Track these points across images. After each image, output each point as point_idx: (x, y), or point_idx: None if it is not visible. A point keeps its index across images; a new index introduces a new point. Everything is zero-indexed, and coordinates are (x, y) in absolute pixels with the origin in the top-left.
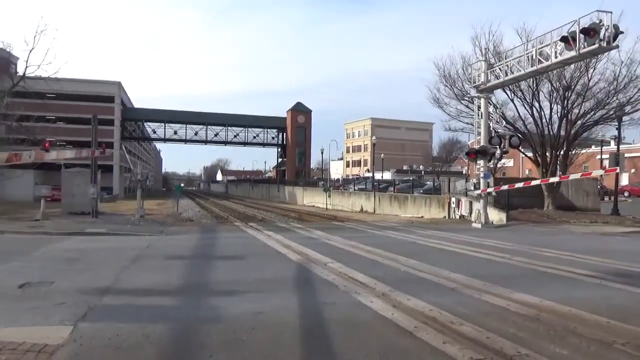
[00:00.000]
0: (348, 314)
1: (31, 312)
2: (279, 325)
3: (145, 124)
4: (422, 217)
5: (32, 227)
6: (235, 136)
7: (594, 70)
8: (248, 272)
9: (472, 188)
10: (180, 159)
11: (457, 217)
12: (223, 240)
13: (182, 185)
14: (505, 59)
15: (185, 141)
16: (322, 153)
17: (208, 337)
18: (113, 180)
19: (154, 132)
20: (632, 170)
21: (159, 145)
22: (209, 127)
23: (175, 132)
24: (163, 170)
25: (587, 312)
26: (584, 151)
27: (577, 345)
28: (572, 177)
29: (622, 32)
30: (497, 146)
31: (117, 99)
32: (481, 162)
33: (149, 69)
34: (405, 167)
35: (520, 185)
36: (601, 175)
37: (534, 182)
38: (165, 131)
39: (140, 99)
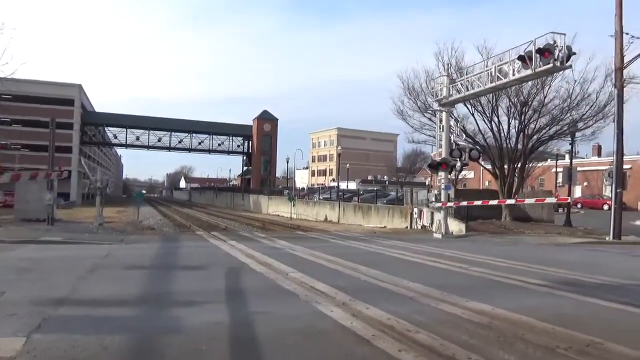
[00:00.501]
0: (308, 323)
1: None
2: (240, 336)
3: (106, 128)
4: (385, 227)
5: None
6: (200, 143)
7: (549, 88)
8: (210, 282)
9: (434, 199)
10: (142, 165)
11: (419, 227)
12: (185, 250)
13: (143, 192)
14: (467, 74)
15: (148, 147)
16: (287, 162)
17: (168, 348)
18: (70, 186)
19: (115, 138)
20: (585, 183)
21: (120, 151)
22: (173, 133)
23: (138, 138)
24: (124, 177)
25: (535, 319)
26: (540, 164)
27: (524, 351)
28: (527, 201)
29: (574, 53)
30: (458, 159)
31: (77, 102)
32: (442, 174)
33: (113, 72)
34: (369, 177)
35: (478, 203)
36: (555, 189)
37: (491, 202)
38: (127, 136)
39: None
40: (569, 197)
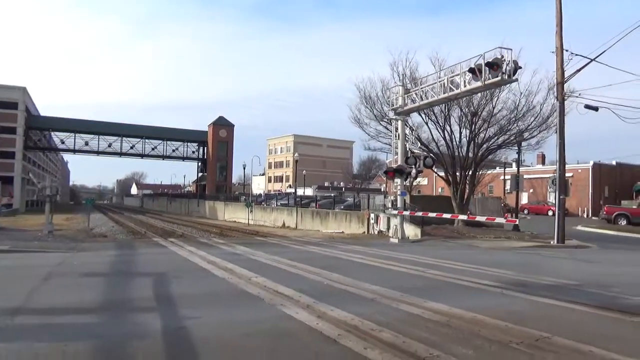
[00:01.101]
0: (275, 325)
1: None
2: (204, 339)
3: (52, 133)
4: (342, 232)
5: None
6: (153, 149)
7: (497, 99)
8: (170, 288)
9: (390, 205)
10: (91, 171)
11: (376, 232)
12: (142, 257)
13: (93, 199)
14: (421, 85)
15: (98, 153)
16: (244, 168)
17: (131, 353)
18: (14, 192)
19: (62, 143)
20: (531, 190)
21: (66, 157)
22: (124, 138)
23: (87, 143)
24: (71, 183)
25: (489, 317)
26: (489, 172)
27: (480, 346)
28: (478, 218)
29: (520, 67)
30: (413, 166)
31: (21, 105)
32: (398, 181)
33: (61, 75)
34: (326, 184)
35: (433, 215)
36: (504, 195)
37: (445, 215)
38: (75, 141)
39: (48, 107)
40: (517, 220)
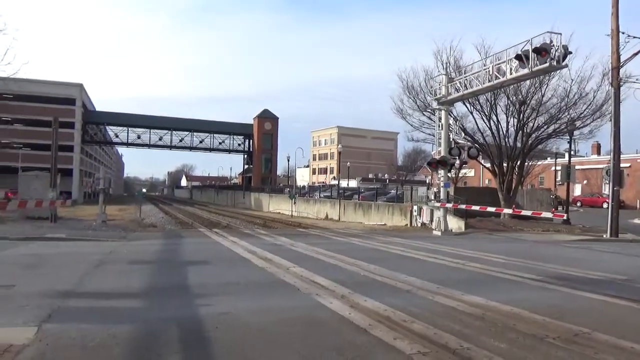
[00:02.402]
0: (308, 314)
1: None
2: (242, 325)
3: (107, 127)
4: (385, 224)
5: None
6: (200, 142)
7: (546, 87)
8: (212, 276)
9: (433, 197)
10: (143, 163)
11: (419, 224)
12: (187, 246)
13: (144, 190)
14: (465, 73)
15: (149, 146)
16: (288, 160)
17: (172, 337)
18: (72, 185)
19: (117, 136)
20: (585, 182)
21: (121, 150)
22: (174, 132)
23: (139, 137)
24: (125, 175)
25: (527, 311)
26: (539, 163)
27: (514, 339)
28: (524, 212)
29: (570, 53)
30: (457, 157)
31: (79, 101)
32: (441, 172)
33: (113, 71)
34: (370, 176)
35: (476, 208)
36: (555, 187)
37: (489, 209)
38: (128, 135)
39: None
40: (564, 214)
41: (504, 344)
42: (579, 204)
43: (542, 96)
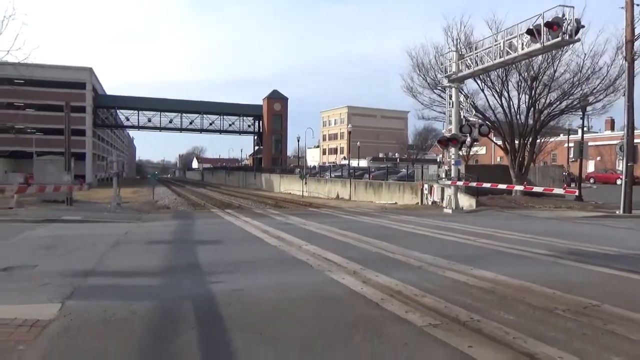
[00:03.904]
0: (321, 290)
1: (18, 292)
2: (256, 301)
3: (118, 111)
4: (395, 203)
5: (7, 214)
6: (210, 124)
7: (559, 62)
8: (226, 255)
9: (444, 175)
10: (155, 146)
11: (430, 203)
12: (201, 227)
13: (157, 173)
14: (476, 49)
15: (160, 129)
16: (298, 141)
17: (189, 312)
18: (86, 168)
19: (127, 120)
20: (598, 158)
21: (132, 133)
22: (184, 114)
23: (149, 120)
24: (137, 158)
25: (537, 285)
26: (552, 139)
27: (523, 312)
28: (535, 189)
29: (583, 26)
30: (468, 134)
31: (89, 85)
32: (452, 150)
33: (122, 55)
34: (380, 155)
35: (487, 186)
36: (567, 163)
37: (500, 186)
38: (138, 118)
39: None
40: (576, 190)
41: (514, 316)
42: (592, 180)
43: (555, 71)
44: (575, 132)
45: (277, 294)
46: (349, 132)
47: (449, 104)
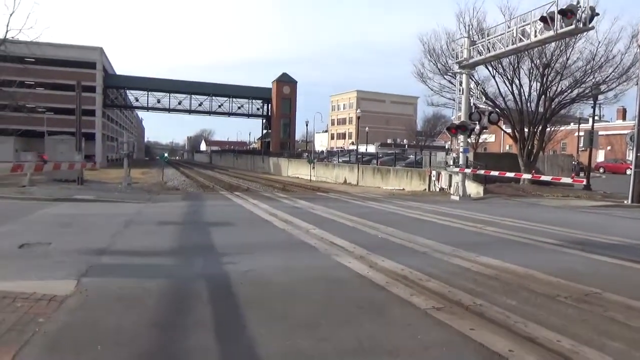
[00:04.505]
0: (328, 273)
1: (35, 268)
2: (264, 281)
3: (127, 91)
4: (403, 189)
5: (21, 193)
6: (219, 106)
7: (572, 50)
8: (236, 237)
9: (452, 162)
10: (163, 128)
11: (437, 189)
12: (210, 208)
13: (166, 155)
14: (488, 36)
15: (169, 110)
16: (307, 125)
17: (200, 290)
18: (95, 148)
19: (137, 100)
20: (608, 148)
21: (141, 114)
22: (193, 96)
23: (159, 101)
24: (145, 140)
25: (541, 272)
26: (562, 128)
27: (526, 297)
28: (543, 178)
29: (597, 14)
30: (477, 122)
31: (99, 65)
32: (461, 137)
33: (133, 35)
34: (389, 141)
35: (495, 174)
36: (577, 153)
37: (508, 174)
38: (148, 99)
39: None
40: (584, 180)
41: (516, 301)
42: (601, 170)
43: (567, 59)
44: (586, 120)
45: (286, 275)
46: (358, 117)
47: (459, 90)
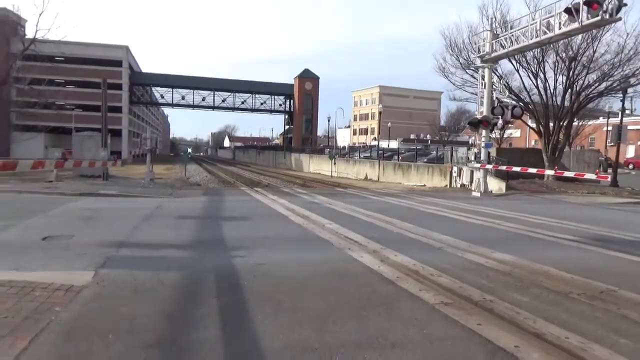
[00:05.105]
0: (340, 266)
1: (56, 260)
2: (276, 275)
3: (153, 88)
4: (424, 185)
5: (47, 187)
6: (242, 102)
7: (599, 42)
8: (252, 231)
9: (473, 158)
10: (188, 124)
11: (459, 185)
12: (229, 203)
13: (189, 151)
14: (511, 29)
15: (193, 106)
16: (329, 121)
17: (214, 283)
18: (122, 145)
19: (162, 97)
20: (639, 143)
21: (166, 111)
22: (216, 92)
23: (183, 98)
24: (171, 136)
25: (556, 269)
26: (590, 122)
27: (538, 294)
28: (566, 174)
29: (625, 4)
30: (500, 116)
31: (125, 63)
32: (483, 132)
33: (158, 34)
34: (412, 136)
35: (517, 169)
36: (605, 148)
37: (530, 170)
38: (172, 96)
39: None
40: (608, 176)
41: (527, 297)
42: (630, 166)
43: (594, 52)
44: (616, 115)
45: (297, 269)
46: (380, 113)
47: (482, 84)
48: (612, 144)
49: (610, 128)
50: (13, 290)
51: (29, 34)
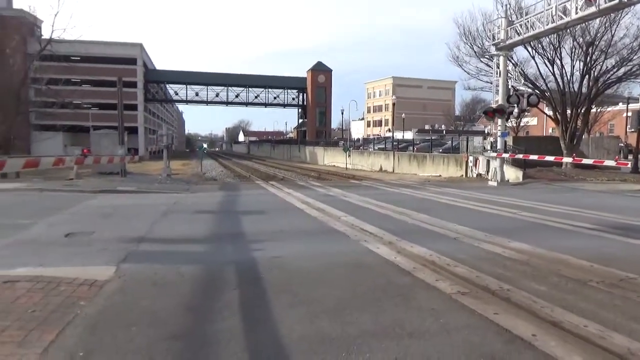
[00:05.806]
0: (356, 258)
1: (78, 255)
2: (292, 267)
3: (167, 85)
4: (439, 175)
5: (67, 185)
6: (256, 97)
7: (617, 26)
8: (268, 224)
9: (489, 147)
10: (203, 120)
11: (475, 175)
12: (245, 197)
13: (205, 146)
14: (526, 15)
15: (207, 102)
16: (342, 113)
17: (232, 276)
18: (138, 142)
19: (176, 94)
20: None
21: (181, 107)
22: (229, 88)
23: (197, 94)
24: (186, 132)
25: (575, 257)
26: (609, 109)
27: (556, 283)
28: (585, 161)
29: None
30: (515, 105)
31: (139, 60)
32: (499, 121)
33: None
34: (427, 127)
35: (534, 157)
36: (625, 134)
37: (547, 158)
38: (187, 93)
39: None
40: (629, 163)
41: (545, 286)
42: None
43: (612, 36)
44: (636, 100)
45: (314, 261)
46: (394, 104)
47: (496, 73)
48: (633, 130)
49: (630, 114)
50: (39, 286)
51: (45, 34)
